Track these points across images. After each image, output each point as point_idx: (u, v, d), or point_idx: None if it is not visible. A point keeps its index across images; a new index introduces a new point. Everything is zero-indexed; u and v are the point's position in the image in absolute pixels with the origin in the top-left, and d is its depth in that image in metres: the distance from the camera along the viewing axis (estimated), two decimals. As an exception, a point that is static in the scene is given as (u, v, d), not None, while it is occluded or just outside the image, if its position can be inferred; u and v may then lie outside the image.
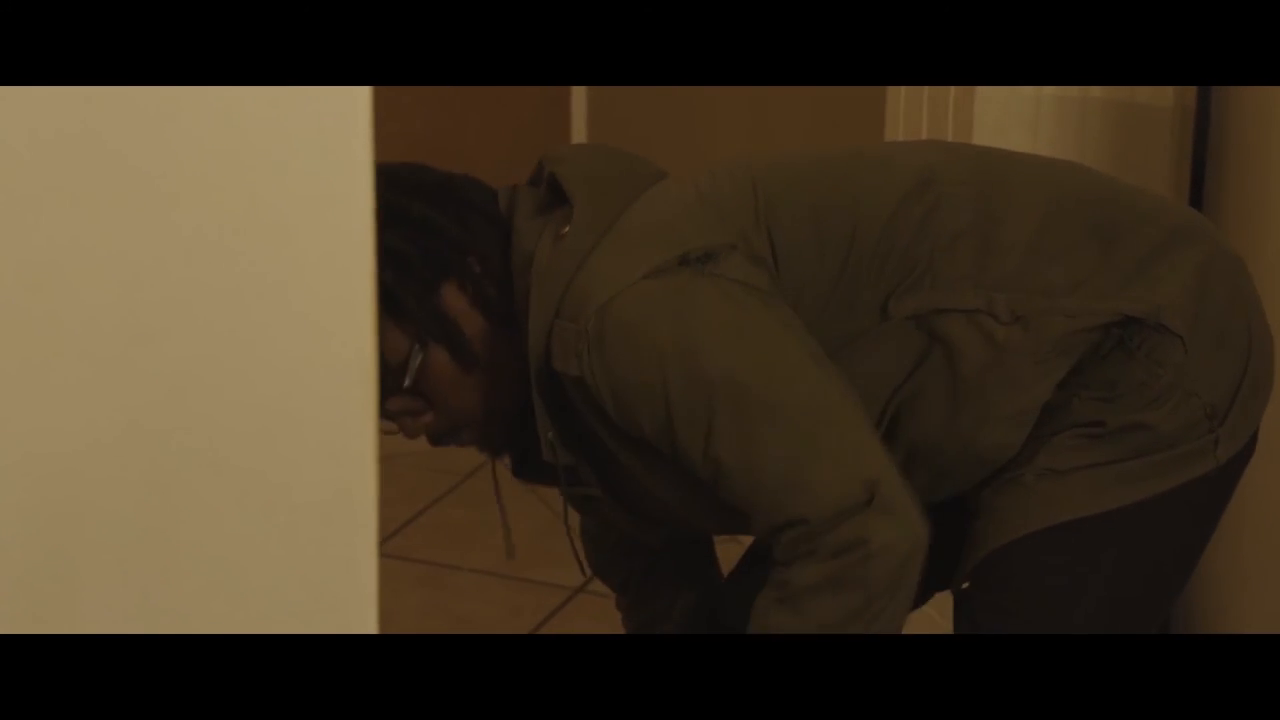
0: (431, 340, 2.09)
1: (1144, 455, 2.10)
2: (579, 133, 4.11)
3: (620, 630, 2.51)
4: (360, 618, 1.23)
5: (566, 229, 2.07)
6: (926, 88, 2.78)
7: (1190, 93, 2.82)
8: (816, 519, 1.99)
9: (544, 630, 3.38)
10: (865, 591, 2.01)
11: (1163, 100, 2.81)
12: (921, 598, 2.10)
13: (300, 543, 1.21)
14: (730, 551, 2.50)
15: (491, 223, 2.13)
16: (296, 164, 1.15)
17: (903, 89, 2.83)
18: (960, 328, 2.08)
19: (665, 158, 3.89)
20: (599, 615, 3.21)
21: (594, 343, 2.01)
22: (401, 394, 2.11)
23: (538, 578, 3.51)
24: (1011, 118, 2.74)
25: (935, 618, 2.53)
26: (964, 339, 2.08)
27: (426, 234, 2.09)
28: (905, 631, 2.06)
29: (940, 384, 2.10)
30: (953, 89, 2.75)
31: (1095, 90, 2.77)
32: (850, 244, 2.09)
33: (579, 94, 4.09)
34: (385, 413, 2.13)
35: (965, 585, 2.13)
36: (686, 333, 2.02)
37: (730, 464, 2.01)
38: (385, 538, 3.56)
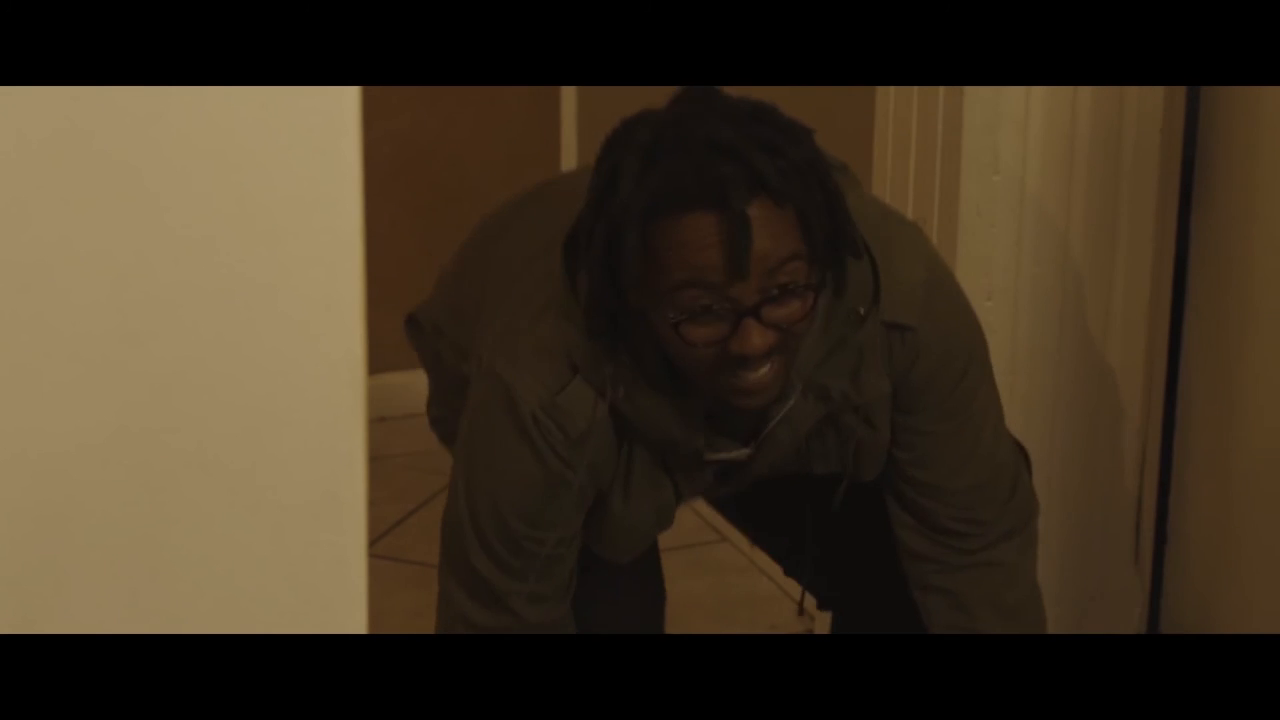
0: (820, 283, 2.02)
1: None
2: (569, 132, 4.11)
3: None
4: (350, 618, 1.23)
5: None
6: (916, 88, 2.78)
7: (1179, 92, 2.82)
8: (1008, 489, 2.30)
9: (534, 630, 3.37)
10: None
11: (1152, 99, 2.82)
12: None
13: (290, 543, 1.21)
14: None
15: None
16: (285, 164, 1.15)
17: (892, 89, 2.83)
18: None
19: (655, 158, 3.89)
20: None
21: (931, 289, 2.14)
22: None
23: (528, 578, 3.50)
24: (1001, 117, 2.74)
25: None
26: None
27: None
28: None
29: None
30: (942, 89, 2.75)
31: (1085, 90, 2.77)
32: None
33: (569, 94, 4.09)
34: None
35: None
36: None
37: (977, 432, 2.24)
38: (375, 538, 3.56)
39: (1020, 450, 2.37)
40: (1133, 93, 2.80)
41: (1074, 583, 3.00)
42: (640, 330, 2.03)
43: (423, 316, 2.42)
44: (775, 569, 2.67)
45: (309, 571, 1.22)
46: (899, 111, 2.83)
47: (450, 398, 2.34)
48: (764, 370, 1.99)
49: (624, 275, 1.97)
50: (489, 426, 2.13)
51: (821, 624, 3.07)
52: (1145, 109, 2.82)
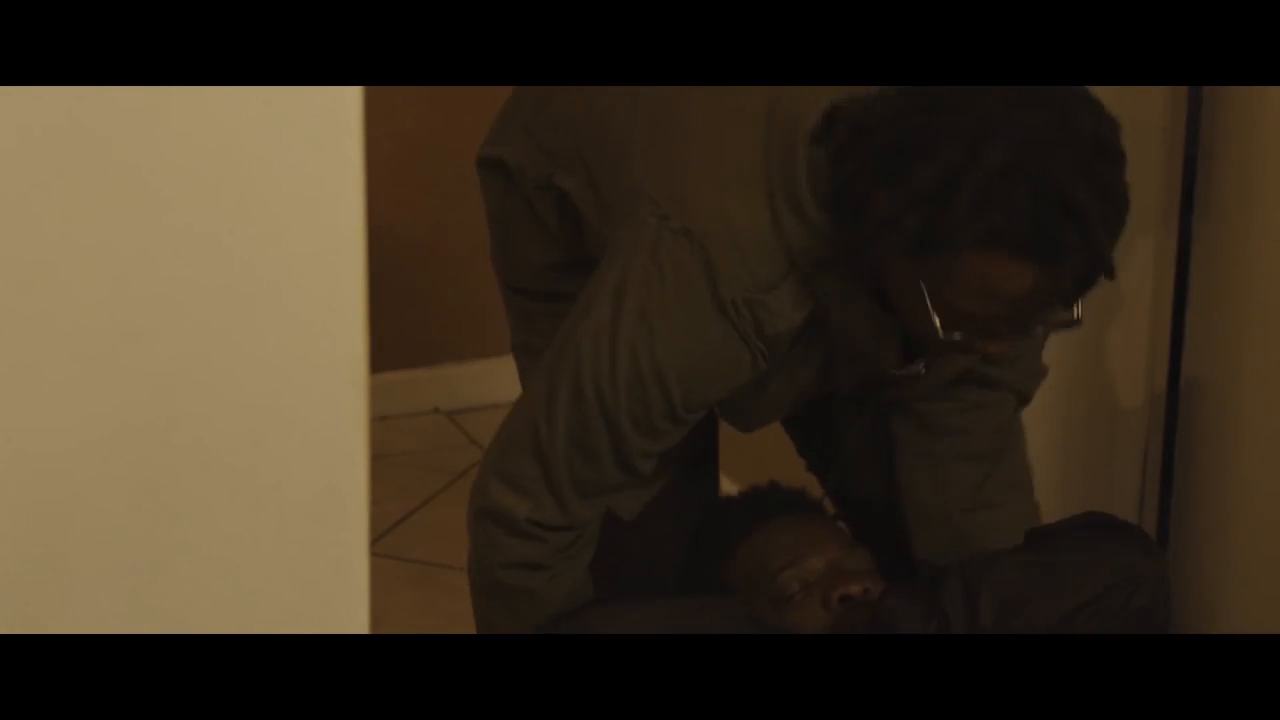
0: None
1: None
2: (570, 132, 4.10)
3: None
4: (352, 617, 1.23)
5: None
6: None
7: (1180, 92, 2.82)
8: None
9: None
10: None
11: (1152, 99, 2.82)
12: None
13: (291, 542, 1.21)
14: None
15: None
16: (288, 164, 1.15)
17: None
18: None
19: (656, 157, 3.89)
20: (590, 614, 3.20)
21: None
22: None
23: (529, 577, 3.50)
24: (1002, 117, 2.74)
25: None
26: None
27: None
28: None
29: None
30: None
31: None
32: None
33: (570, 94, 4.08)
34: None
35: None
36: None
37: None
38: (377, 537, 3.56)
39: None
40: (1133, 93, 2.81)
41: (1074, 582, 3.00)
42: (879, 273, 1.99)
43: (505, 156, 2.35)
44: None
45: (311, 570, 1.22)
46: (900, 111, 2.83)
47: (521, 248, 2.30)
48: None
49: (922, 264, 1.93)
50: (680, 287, 2.03)
51: (822, 623, 3.07)
52: (1145, 109, 2.82)
